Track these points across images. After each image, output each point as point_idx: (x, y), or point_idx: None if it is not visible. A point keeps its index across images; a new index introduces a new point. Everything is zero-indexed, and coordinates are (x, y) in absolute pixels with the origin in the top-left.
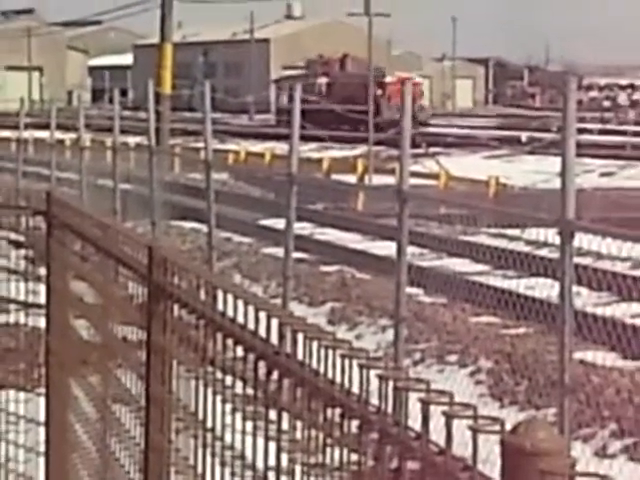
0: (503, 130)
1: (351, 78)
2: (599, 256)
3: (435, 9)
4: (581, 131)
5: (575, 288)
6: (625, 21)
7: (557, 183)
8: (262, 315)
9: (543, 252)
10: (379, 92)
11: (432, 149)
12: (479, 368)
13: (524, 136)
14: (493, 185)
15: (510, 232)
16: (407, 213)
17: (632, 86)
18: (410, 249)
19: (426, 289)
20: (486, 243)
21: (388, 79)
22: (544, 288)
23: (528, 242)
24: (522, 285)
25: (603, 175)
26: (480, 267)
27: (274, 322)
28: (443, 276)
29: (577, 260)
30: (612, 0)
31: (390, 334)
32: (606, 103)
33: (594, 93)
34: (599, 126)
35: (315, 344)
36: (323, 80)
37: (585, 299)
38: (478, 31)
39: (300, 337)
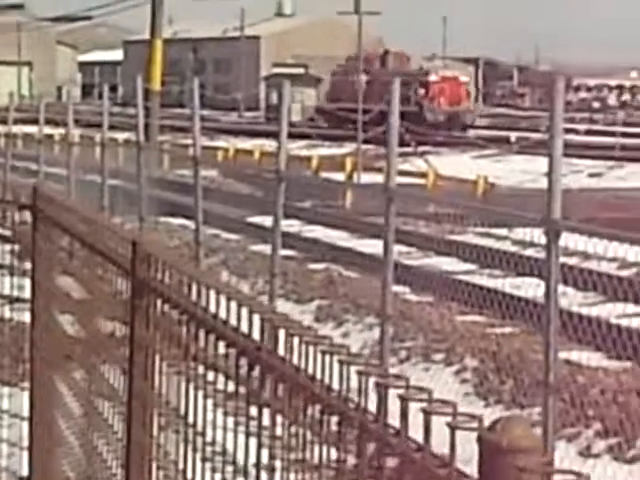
0: (492, 130)
1: (391, 76)
2: (586, 256)
3: (426, 8)
4: (570, 131)
5: (561, 288)
6: (614, 22)
7: (545, 183)
8: (245, 311)
9: (530, 252)
10: (422, 92)
11: (421, 148)
12: (465, 367)
13: (513, 136)
14: (481, 184)
15: (497, 232)
16: (394, 211)
17: (621, 87)
18: (397, 247)
19: (413, 287)
20: (473, 242)
21: (432, 78)
22: (530, 288)
23: (515, 242)
24: (509, 284)
25: (592, 176)
26: (467, 266)
27: (257, 318)
28: (430, 274)
29: (564, 260)
30: (601, 1)
31: (377, 332)
32: (595, 104)
33: (583, 94)
34: (588, 127)
35: (296, 340)
36: (362, 78)
37: (572, 299)
38: (468, 30)
39: (282, 333)
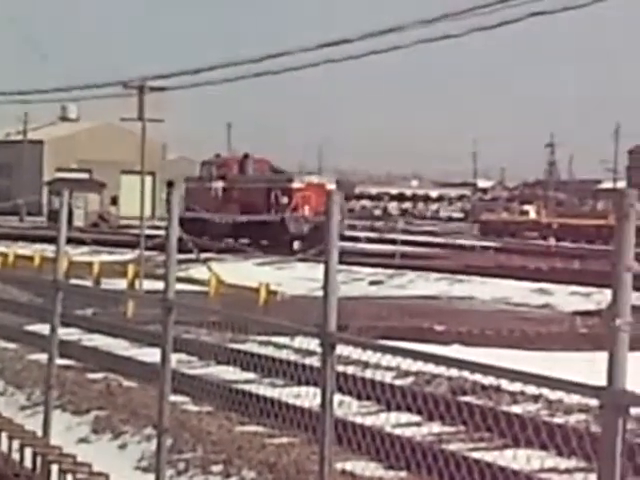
0: None
1: (250, 183)
2: (365, 365)
3: (211, 115)
4: (352, 239)
5: (341, 397)
6: (388, 132)
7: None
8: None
9: (309, 360)
10: (284, 200)
11: (204, 254)
12: (243, 479)
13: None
14: (263, 292)
15: (279, 340)
16: (172, 321)
17: (402, 195)
18: (178, 356)
19: (193, 397)
20: (254, 351)
21: (296, 184)
22: (310, 397)
23: (295, 350)
24: (289, 394)
25: (372, 283)
26: (248, 375)
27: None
28: (209, 384)
29: (342, 369)
30: (374, 112)
31: (155, 444)
32: (377, 212)
33: (365, 202)
34: (369, 234)
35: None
36: (219, 184)
37: (349, 408)
38: (253, 136)
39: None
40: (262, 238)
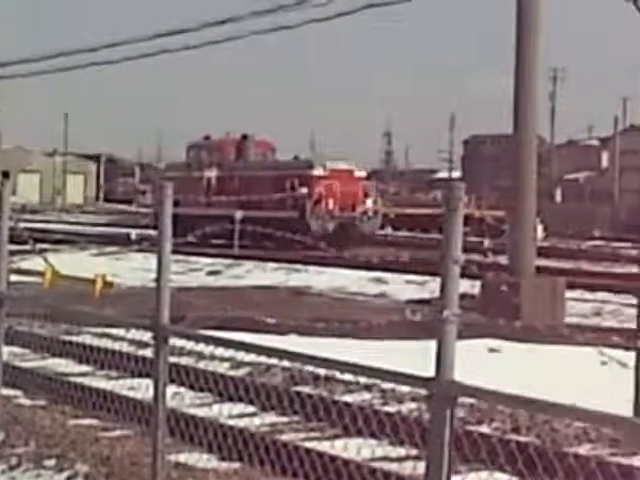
0: (113, 227)
1: (254, 170)
2: (200, 356)
3: (47, 104)
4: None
5: (176, 388)
6: (219, 122)
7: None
8: None
9: (144, 352)
10: (303, 191)
11: (40, 245)
12: (76, 472)
13: (134, 233)
14: (99, 283)
15: (115, 332)
16: (3, 314)
17: None
18: (12, 349)
19: (26, 391)
20: (89, 343)
21: (317, 171)
22: (144, 389)
23: (131, 342)
24: (123, 386)
25: (210, 273)
26: (83, 368)
27: None
28: (42, 377)
29: (177, 360)
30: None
31: None
32: None
33: None
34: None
35: None
36: (212, 173)
37: (183, 400)
38: (91, 127)
39: None
40: (274, 239)
